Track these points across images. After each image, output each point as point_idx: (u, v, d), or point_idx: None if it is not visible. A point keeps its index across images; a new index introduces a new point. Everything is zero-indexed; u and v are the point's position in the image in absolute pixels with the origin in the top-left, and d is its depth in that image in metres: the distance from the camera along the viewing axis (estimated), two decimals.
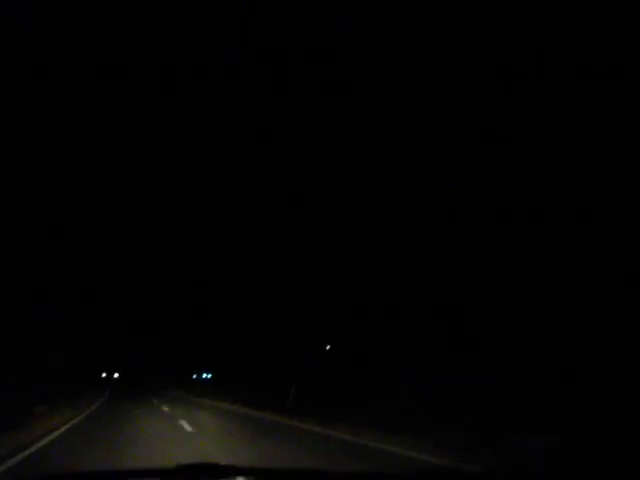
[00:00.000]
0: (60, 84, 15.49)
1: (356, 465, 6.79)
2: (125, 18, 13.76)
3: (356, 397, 15.08)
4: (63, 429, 11.02)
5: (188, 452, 7.50)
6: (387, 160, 15.93)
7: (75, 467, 6.07)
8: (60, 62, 14.56)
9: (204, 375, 47.11)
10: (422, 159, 14.67)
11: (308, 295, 20.87)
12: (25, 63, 13.41)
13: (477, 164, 12.96)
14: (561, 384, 9.42)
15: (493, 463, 6.66)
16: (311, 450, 8.59)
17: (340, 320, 18.72)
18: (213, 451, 7.89)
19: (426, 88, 13.97)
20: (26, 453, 7.51)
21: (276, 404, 17.99)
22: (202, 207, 29.85)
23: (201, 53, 16.00)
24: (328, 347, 19.21)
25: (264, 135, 20.01)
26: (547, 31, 10.99)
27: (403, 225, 15.55)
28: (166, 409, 18.36)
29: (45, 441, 8.93)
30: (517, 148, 11.97)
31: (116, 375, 74.29)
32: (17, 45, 12.50)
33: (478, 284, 12.68)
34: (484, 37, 12.21)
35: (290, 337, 22.30)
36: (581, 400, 8.49)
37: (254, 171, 22.85)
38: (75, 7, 12.82)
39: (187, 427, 11.34)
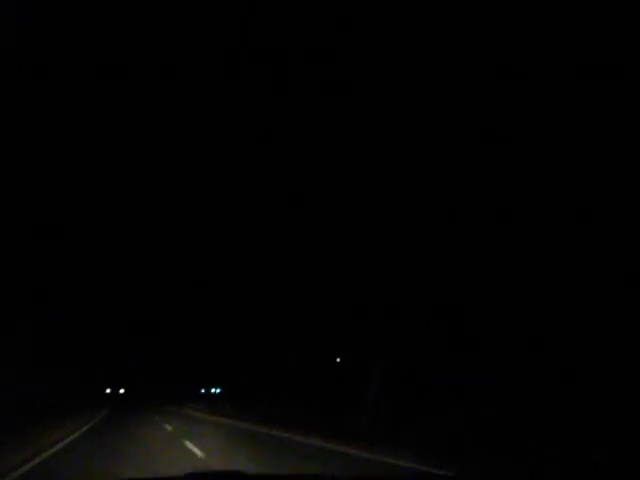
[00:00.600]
0: (60, 84, 15.49)
1: None
2: (125, 18, 13.76)
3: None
4: None
5: None
6: (387, 160, 15.92)
7: None
8: (60, 62, 14.56)
9: (213, 390, 43.78)
10: (422, 159, 14.66)
11: (308, 295, 20.85)
12: (25, 63, 13.42)
13: (477, 164, 12.96)
14: (561, 384, 9.42)
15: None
16: None
17: (341, 321, 18.65)
18: None
19: (426, 88, 13.96)
20: None
21: (348, 428, 14.10)
22: (202, 207, 29.83)
23: (201, 53, 16.00)
24: (338, 360, 18.09)
25: (264, 135, 20.00)
26: (547, 31, 10.98)
27: (403, 225, 15.54)
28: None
29: None
30: (517, 148, 11.96)
31: (122, 391, 71.64)
32: (17, 45, 12.50)
33: (478, 284, 12.67)
34: (484, 37, 12.21)
35: (295, 341, 21.79)
36: (581, 400, 8.48)
37: (254, 171, 22.85)
38: (75, 7, 12.83)
39: None
